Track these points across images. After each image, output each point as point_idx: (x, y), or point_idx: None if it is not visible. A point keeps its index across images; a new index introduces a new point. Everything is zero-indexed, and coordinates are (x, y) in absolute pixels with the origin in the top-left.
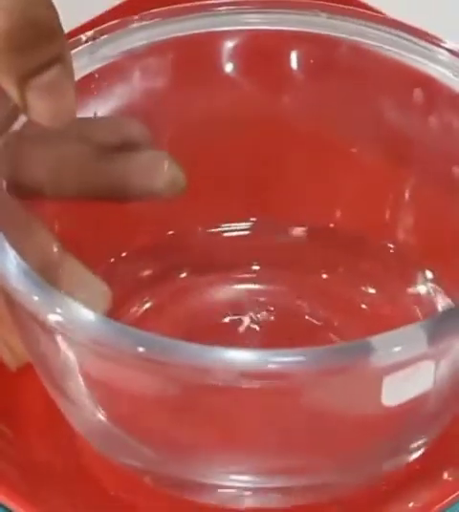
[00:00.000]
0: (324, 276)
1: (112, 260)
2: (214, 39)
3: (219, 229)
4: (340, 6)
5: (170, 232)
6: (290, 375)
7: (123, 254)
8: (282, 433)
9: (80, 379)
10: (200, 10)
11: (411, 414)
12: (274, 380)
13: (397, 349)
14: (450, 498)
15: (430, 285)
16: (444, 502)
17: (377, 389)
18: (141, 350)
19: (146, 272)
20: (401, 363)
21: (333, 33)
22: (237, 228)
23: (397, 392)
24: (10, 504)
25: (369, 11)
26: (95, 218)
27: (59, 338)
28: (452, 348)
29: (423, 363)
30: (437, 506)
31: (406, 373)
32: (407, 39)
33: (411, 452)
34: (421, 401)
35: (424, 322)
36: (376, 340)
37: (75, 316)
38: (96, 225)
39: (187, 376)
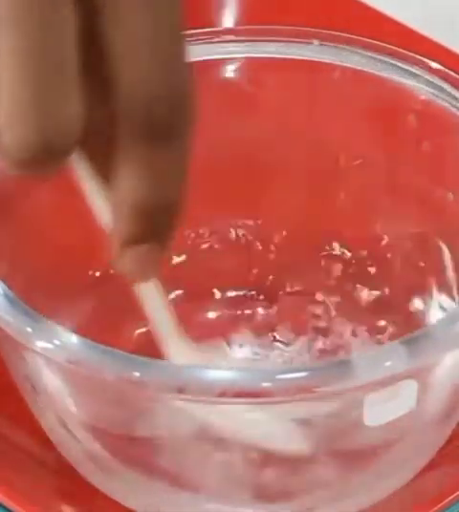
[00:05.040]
0: (321, 296)
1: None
2: (210, 67)
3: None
4: (333, 32)
5: None
6: (267, 394)
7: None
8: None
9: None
10: (196, 39)
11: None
12: (251, 399)
13: (376, 366)
14: (450, 498)
15: (424, 301)
16: (444, 502)
17: (359, 408)
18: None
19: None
20: (382, 381)
21: (326, 60)
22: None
23: (379, 412)
24: (10, 504)
25: (360, 37)
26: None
27: (44, 363)
28: (436, 367)
29: (404, 382)
30: (437, 506)
31: (388, 393)
32: (394, 62)
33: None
34: (405, 423)
35: (404, 339)
36: (355, 357)
37: (58, 340)
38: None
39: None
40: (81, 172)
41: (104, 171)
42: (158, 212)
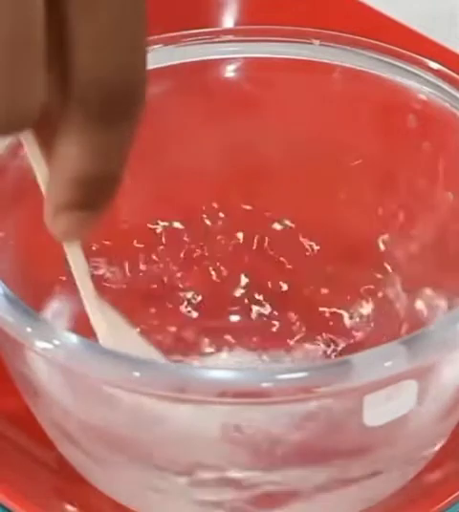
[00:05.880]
0: (314, 289)
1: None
2: (210, 67)
3: None
4: (333, 32)
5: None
6: (267, 394)
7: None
8: (259, 454)
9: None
10: (196, 39)
11: (397, 437)
12: (251, 399)
13: (377, 366)
14: (450, 498)
15: (426, 302)
16: (444, 502)
17: (358, 408)
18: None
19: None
20: (382, 381)
21: (326, 60)
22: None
23: (379, 412)
24: (11, 504)
25: (360, 37)
26: None
27: (44, 363)
28: (436, 367)
29: (404, 382)
30: (437, 506)
31: (388, 393)
32: (394, 62)
33: (398, 479)
34: (405, 424)
35: (404, 339)
36: (356, 358)
37: (58, 340)
38: None
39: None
40: (26, 139)
41: (48, 141)
42: (94, 185)
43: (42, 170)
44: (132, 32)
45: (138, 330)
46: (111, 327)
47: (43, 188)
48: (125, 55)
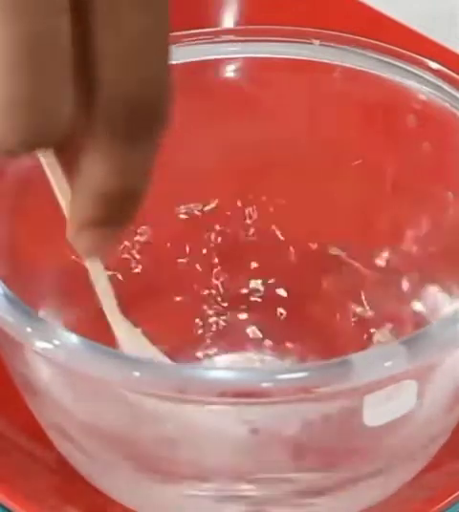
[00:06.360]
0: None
1: None
2: (210, 67)
3: None
4: (333, 32)
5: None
6: (267, 394)
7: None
8: (257, 456)
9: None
10: (196, 39)
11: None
12: (251, 399)
13: (377, 366)
14: (450, 498)
15: (425, 302)
16: (444, 502)
17: (358, 408)
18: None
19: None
20: (382, 381)
21: (326, 60)
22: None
23: (379, 412)
24: (11, 504)
25: (360, 37)
26: None
27: (44, 363)
28: (436, 367)
29: (404, 382)
30: (437, 506)
31: (388, 393)
32: (394, 62)
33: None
34: (405, 424)
35: (404, 339)
36: (355, 358)
37: (58, 340)
38: None
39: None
40: (46, 157)
41: (67, 159)
42: (117, 201)
43: (63, 188)
44: (156, 46)
45: (158, 347)
46: (132, 342)
47: (64, 206)
48: (149, 70)
